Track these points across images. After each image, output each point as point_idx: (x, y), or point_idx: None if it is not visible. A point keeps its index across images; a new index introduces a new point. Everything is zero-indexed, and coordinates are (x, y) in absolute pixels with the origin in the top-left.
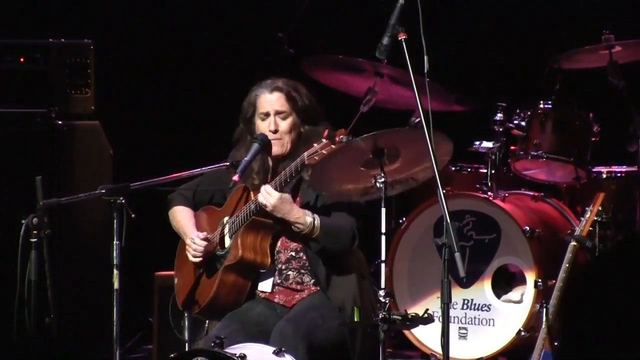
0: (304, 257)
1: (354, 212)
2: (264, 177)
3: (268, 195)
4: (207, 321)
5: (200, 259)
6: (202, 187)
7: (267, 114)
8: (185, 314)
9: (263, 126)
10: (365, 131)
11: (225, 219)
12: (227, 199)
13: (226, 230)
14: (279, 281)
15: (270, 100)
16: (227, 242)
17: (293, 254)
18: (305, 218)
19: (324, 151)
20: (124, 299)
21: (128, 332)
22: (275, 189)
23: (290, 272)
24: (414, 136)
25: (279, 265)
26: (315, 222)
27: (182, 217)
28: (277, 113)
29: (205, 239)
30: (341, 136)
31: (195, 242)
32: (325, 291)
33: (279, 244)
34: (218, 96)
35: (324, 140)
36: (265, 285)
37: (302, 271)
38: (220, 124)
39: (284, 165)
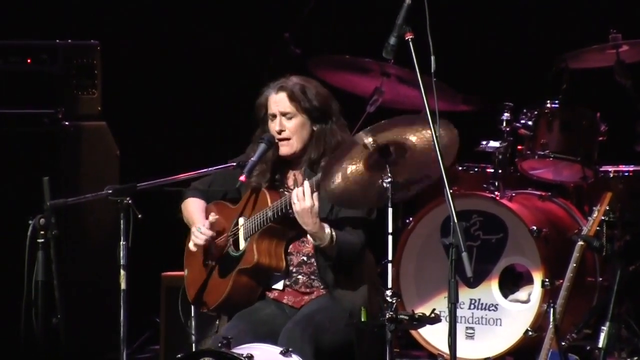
0: (315, 263)
1: (365, 228)
2: (271, 177)
3: (302, 199)
4: (217, 319)
5: (199, 247)
6: (214, 186)
7: (275, 115)
8: (192, 315)
9: (271, 127)
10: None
11: (241, 220)
12: (241, 196)
13: (241, 232)
14: (288, 283)
15: (275, 101)
16: (242, 244)
17: (305, 258)
18: (324, 235)
19: None
20: (131, 299)
21: (135, 333)
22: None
23: (300, 277)
24: (416, 124)
25: (291, 268)
26: (332, 233)
27: (193, 208)
28: (283, 114)
29: (211, 224)
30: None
31: (201, 231)
32: (335, 295)
33: (291, 246)
34: (224, 97)
35: None
36: (276, 285)
37: (313, 277)
38: (227, 125)
39: (294, 166)
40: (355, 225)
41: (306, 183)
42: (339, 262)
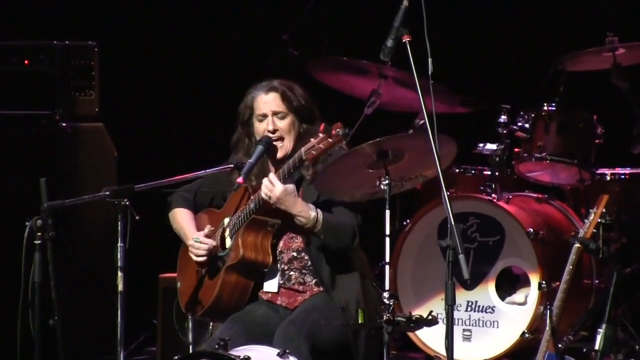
0: (306, 257)
1: (356, 210)
2: (260, 178)
3: (272, 187)
4: (211, 323)
5: (205, 258)
6: (203, 189)
7: (265, 115)
8: (189, 317)
9: (261, 128)
10: (369, 133)
11: (226, 219)
12: (226, 200)
13: (227, 230)
14: (281, 281)
15: (266, 101)
16: (228, 242)
17: (295, 254)
18: (309, 212)
19: (321, 145)
20: (128, 300)
21: (132, 334)
22: None
23: (292, 273)
24: (417, 139)
25: (282, 266)
26: (319, 216)
27: (182, 219)
28: (275, 113)
29: (207, 236)
30: (337, 129)
31: (201, 241)
32: (329, 291)
33: (281, 244)
34: (222, 98)
35: (320, 134)
36: (270, 285)
37: (304, 271)
38: (224, 126)
39: (281, 165)
40: (346, 208)
41: (271, 175)
42: (330, 245)
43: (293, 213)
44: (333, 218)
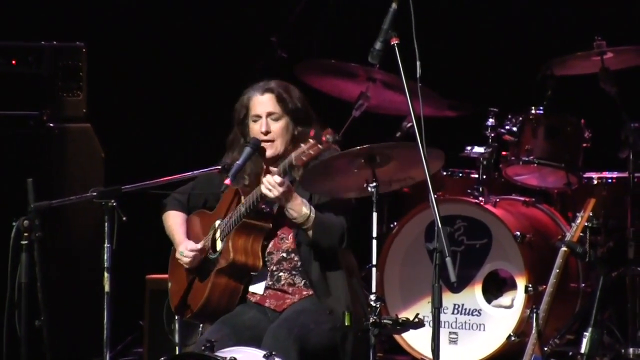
0: (296, 258)
1: (345, 212)
2: (255, 180)
3: (275, 186)
4: (200, 325)
5: (192, 265)
6: (196, 191)
7: (259, 116)
8: (176, 318)
9: (255, 128)
10: (357, 136)
11: (217, 222)
12: (219, 202)
13: (218, 233)
14: (270, 283)
15: (261, 102)
16: (219, 245)
17: (284, 255)
18: (302, 207)
19: (310, 151)
20: (115, 301)
21: (119, 335)
22: None
23: (281, 274)
24: (405, 146)
25: (271, 267)
26: (311, 213)
27: (174, 222)
28: (269, 115)
29: (194, 250)
30: (327, 136)
31: (184, 255)
32: (317, 292)
33: (270, 245)
34: (210, 99)
35: (310, 140)
36: (257, 288)
37: (294, 272)
38: (213, 128)
39: (273, 167)
40: (336, 209)
41: (273, 171)
42: (319, 243)
43: (287, 206)
44: (324, 216)
